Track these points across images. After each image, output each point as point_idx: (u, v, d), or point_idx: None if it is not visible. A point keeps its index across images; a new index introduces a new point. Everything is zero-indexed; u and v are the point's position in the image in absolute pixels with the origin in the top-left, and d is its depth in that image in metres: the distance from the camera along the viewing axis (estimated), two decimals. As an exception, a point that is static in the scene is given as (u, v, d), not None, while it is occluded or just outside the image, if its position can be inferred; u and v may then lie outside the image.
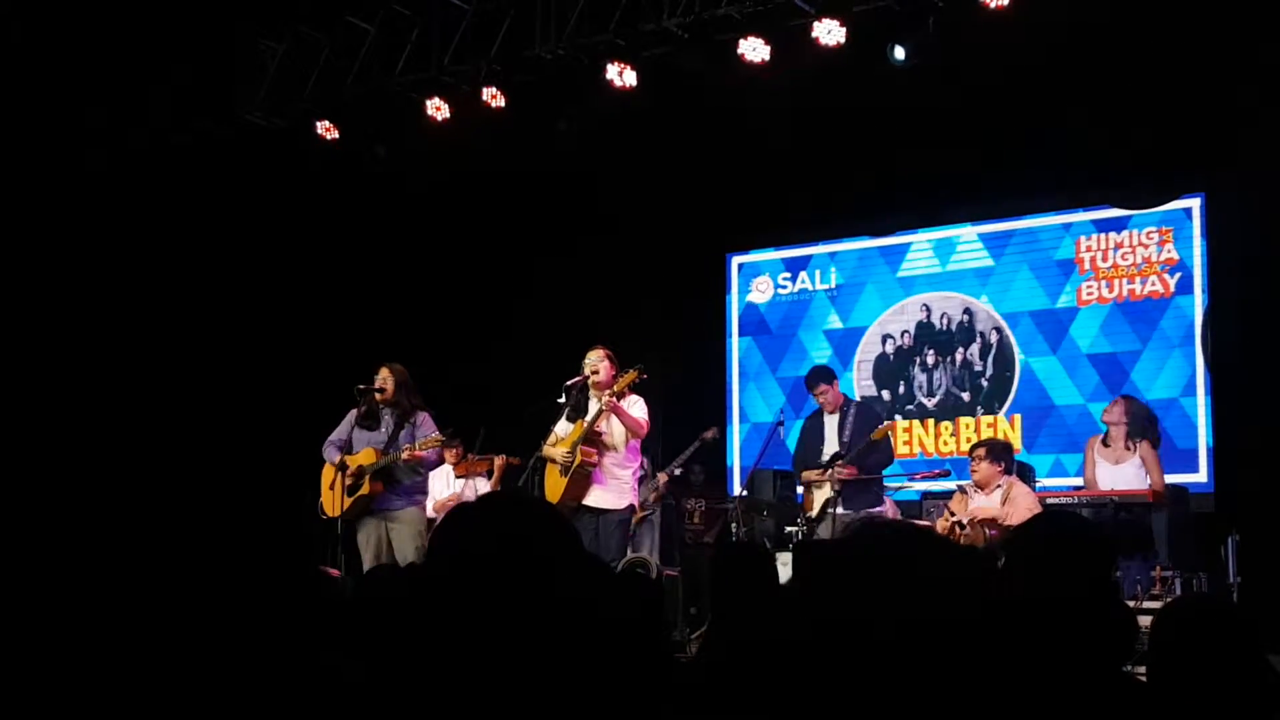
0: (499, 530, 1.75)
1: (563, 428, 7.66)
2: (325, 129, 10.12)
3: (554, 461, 7.57)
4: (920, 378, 10.70)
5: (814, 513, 8.40)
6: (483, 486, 9.45)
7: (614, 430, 7.54)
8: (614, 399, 7.42)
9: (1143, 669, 2.83)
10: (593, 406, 7.57)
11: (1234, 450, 9.18)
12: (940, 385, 10.63)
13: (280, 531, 8.26)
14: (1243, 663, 2.69)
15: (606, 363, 7.59)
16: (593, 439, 7.47)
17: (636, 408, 7.56)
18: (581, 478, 7.45)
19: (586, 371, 7.59)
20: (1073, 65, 8.82)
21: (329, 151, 10.19)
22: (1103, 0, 7.92)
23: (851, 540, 1.85)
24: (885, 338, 10.86)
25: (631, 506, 7.73)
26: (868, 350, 10.92)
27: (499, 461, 9.40)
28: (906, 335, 10.78)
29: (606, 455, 7.52)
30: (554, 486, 7.53)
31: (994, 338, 10.42)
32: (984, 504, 7.89)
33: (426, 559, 1.84)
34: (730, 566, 4.24)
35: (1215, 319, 9.50)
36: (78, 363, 9.91)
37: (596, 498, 7.52)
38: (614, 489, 7.55)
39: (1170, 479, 8.62)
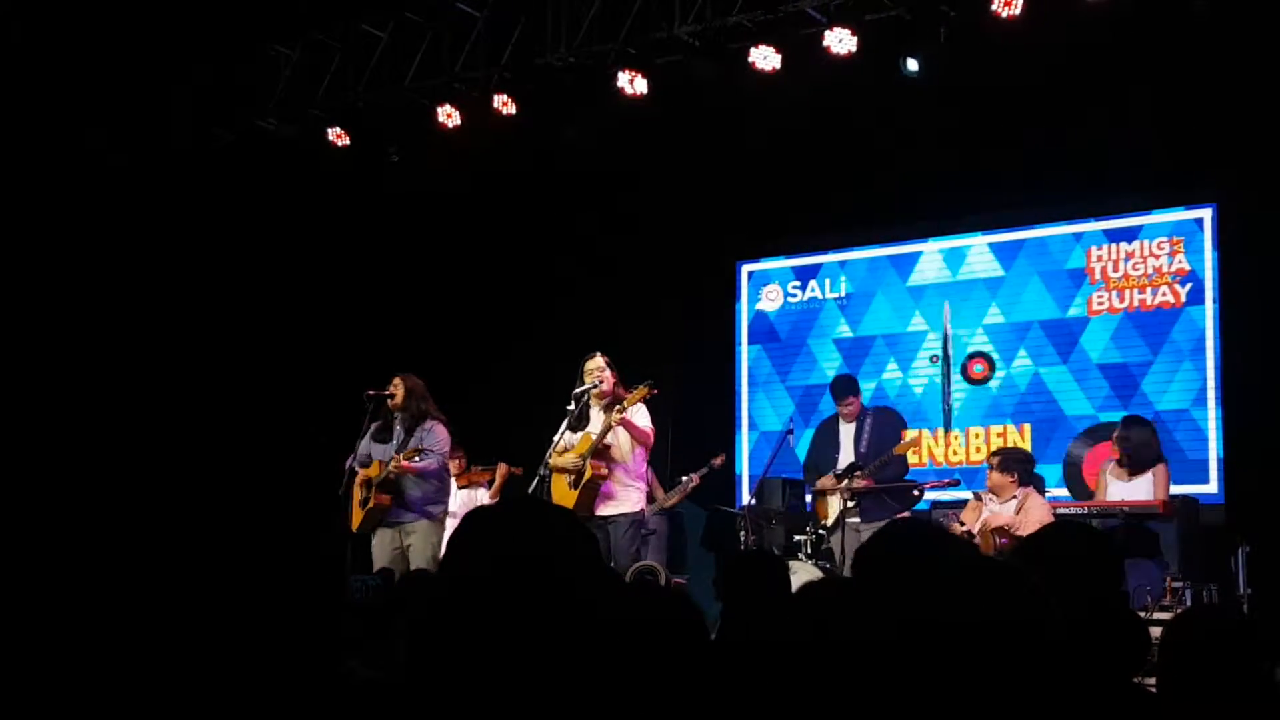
0: (519, 537, 1.75)
1: (567, 438, 7.67)
2: (337, 135, 10.14)
3: (562, 471, 7.60)
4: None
5: (829, 522, 8.38)
6: (482, 496, 9.39)
7: (621, 443, 7.58)
8: (623, 414, 7.44)
9: (1153, 680, 2.83)
10: (594, 415, 7.59)
11: (1245, 461, 9.16)
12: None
13: (297, 540, 8.26)
14: (1252, 674, 2.69)
15: (608, 372, 7.62)
16: (601, 452, 7.51)
17: (640, 417, 7.61)
18: (591, 490, 7.50)
19: (589, 382, 7.59)
20: (1084, 74, 8.82)
21: (341, 158, 10.21)
22: (1113, 9, 7.91)
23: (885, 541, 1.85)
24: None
25: (642, 511, 7.79)
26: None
27: (501, 470, 9.37)
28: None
29: (615, 467, 7.58)
30: (562, 497, 7.56)
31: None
32: (998, 513, 7.91)
33: (444, 562, 1.84)
34: (743, 573, 4.23)
35: (1226, 330, 9.48)
36: (90, 371, 9.93)
37: (607, 509, 7.58)
38: (623, 497, 7.62)
39: (1181, 490, 8.61)
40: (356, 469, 7.66)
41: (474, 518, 1.85)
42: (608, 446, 7.52)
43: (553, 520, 1.81)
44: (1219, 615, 3.10)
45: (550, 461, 7.64)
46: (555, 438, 7.70)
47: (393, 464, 7.43)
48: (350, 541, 7.66)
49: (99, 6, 9.49)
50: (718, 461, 10.03)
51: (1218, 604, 7.20)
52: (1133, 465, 8.11)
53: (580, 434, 7.62)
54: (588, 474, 7.45)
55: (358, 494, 7.64)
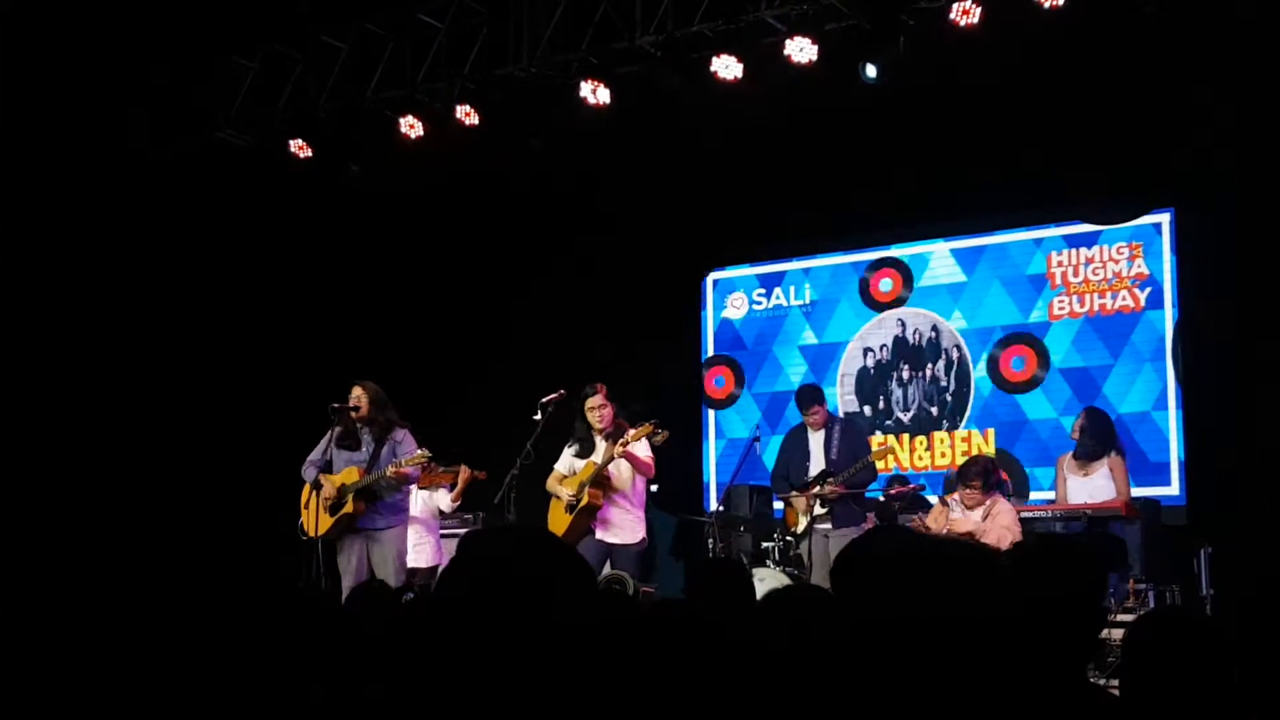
0: (517, 562, 1.76)
1: (565, 464, 7.98)
2: (298, 147, 10.08)
3: (559, 498, 7.90)
4: (897, 392, 10.75)
5: (799, 529, 8.41)
6: (442, 498, 9.38)
7: (621, 472, 7.85)
8: (625, 448, 7.69)
9: (1116, 682, 2.85)
10: (599, 445, 7.86)
11: (1205, 463, 9.24)
12: (914, 400, 10.68)
13: (256, 551, 8.25)
14: (1216, 676, 2.71)
15: (609, 407, 7.89)
16: (600, 481, 7.79)
17: (641, 448, 7.85)
18: (586, 516, 7.80)
19: (591, 419, 7.83)
20: (1043, 81, 8.90)
21: (302, 170, 10.15)
22: (1072, 17, 7.98)
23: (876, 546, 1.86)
24: (866, 350, 10.89)
25: (644, 539, 8.02)
26: (850, 364, 10.93)
27: (463, 474, 9.34)
28: (885, 349, 10.82)
29: (616, 495, 7.85)
30: (557, 522, 7.85)
31: (955, 355, 10.50)
32: (963, 519, 7.95)
33: (441, 585, 1.85)
34: (705, 580, 4.25)
35: (1185, 333, 9.57)
36: (48, 382, 9.84)
37: (608, 535, 7.86)
38: (625, 525, 7.88)
39: (1143, 492, 8.70)
40: (318, 476, 7.55)
41: (474, 542, 1.86)
42: (608, 476, 7.82)
43: (553, 548, 1.83)
44: (1182, 616, 3.12)
45: (549, 487, 7.95)
46: (557, 465, 8.00)
47: (391, 469, 7.46)
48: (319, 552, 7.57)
49: (61, 14, 9.41)
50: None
51: (1181, 606, 7.26)
52: (1088, 453, 8.23)
53: (584, 462, 7.91)
54: (584, 500, 7.76)
55: (313, 498, 7.51)
